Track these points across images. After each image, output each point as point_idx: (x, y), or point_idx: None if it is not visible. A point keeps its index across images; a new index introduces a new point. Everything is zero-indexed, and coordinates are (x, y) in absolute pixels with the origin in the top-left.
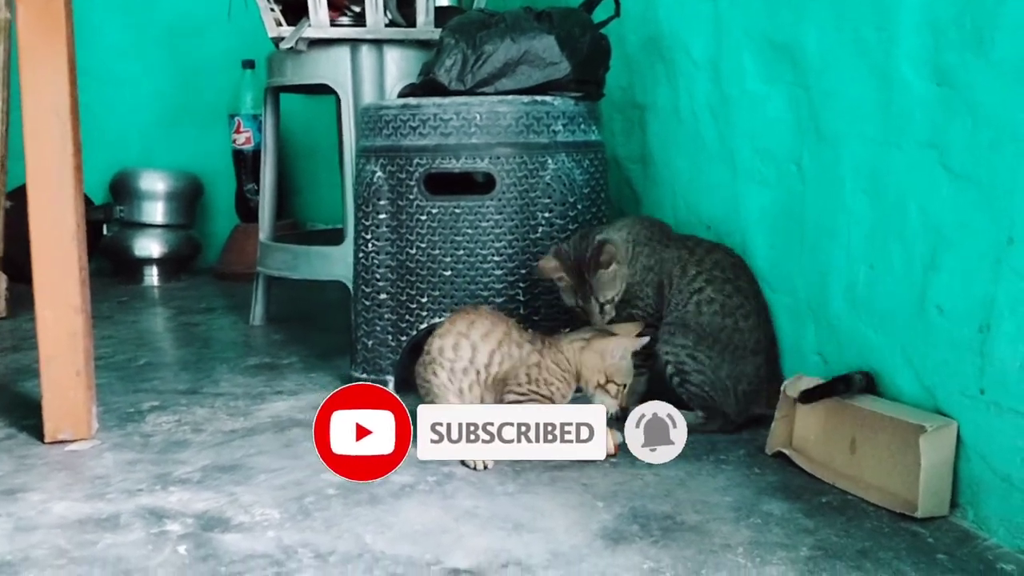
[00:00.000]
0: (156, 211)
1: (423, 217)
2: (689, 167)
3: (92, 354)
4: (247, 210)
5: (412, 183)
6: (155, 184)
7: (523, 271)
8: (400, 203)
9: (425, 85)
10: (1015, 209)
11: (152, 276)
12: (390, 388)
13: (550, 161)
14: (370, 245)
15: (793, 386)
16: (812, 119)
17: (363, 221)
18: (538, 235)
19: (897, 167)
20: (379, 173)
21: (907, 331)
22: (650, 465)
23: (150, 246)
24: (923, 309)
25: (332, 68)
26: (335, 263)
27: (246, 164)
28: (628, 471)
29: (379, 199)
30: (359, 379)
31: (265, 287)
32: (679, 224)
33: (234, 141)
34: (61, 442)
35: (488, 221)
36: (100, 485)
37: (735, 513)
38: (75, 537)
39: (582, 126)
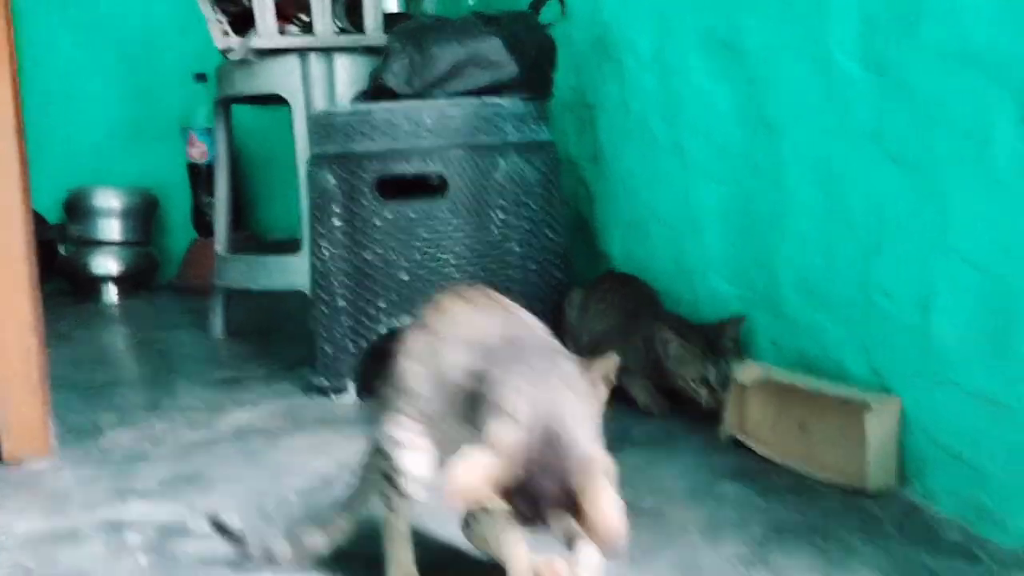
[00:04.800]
0: (112, 228)
1: (377, 222)
2: (641, 164)
3: (47, 372)
4: (204, 224)
5: (365, 188)
6: (109, 201)
7: (481, 273)
8: (354, 209)
9: (374, 90)
10: (950, 189)
11: (110, 294)
12: (350, 394)
13: (502, 161)
14: (326, 252)
15: (744, 373)
16: (758, 112)
17: (318, 228)
18: (494, 236)
19: (841, 156)
20: (332, 179)
21: (854, 315)
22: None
23: (107, 264)
24: (869, 293)
25: (282, 77)
26: (293, 272)
27: (201, 178)
28: None
29: (333, 205)
30: (319, 386)
31: (224, 300)
32: (633, 221)
33: (188, 155)
34: (19, 461)
35: (443, 223)
36: (60, 502)
37: (690, 496)
38: (37, 554)
39: (532, 126)
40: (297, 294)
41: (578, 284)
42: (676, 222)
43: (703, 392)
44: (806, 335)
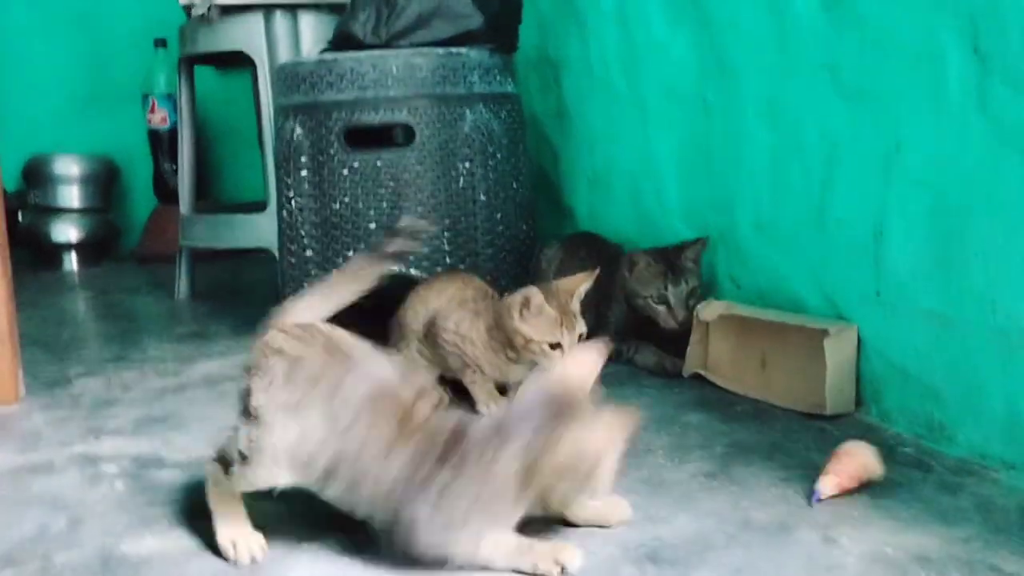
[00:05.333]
0: (71, 195)
1: (344, 172)
2: (603, 118)
3: (15, 319)
4: (166, 191)
5: (332, 138)
6: (69, 168)
7: (447, 221)
8: (320, 159)
9: (340, 40)
10: (901, 117)
11: (72, 262)
12: None
13: (468, 112)
14: (293, 203)
15: (706, 311)
16: (714, 55)
17: (285, 179)
18: (460, 185)
19: (794, 92)
20: (298, 130)
21: (809, 247)
22: None
23: (67, 231)
24: (823, 224)
25: (246, 35)
26: (259, 230)
27: (162, 144)
28: None
29: (300, 156)
30: None
31: (189, 262)
32: (596, 176)
33: (149, 121)
34: None
35: (409, 173)
36: (32, 440)
37: (656, 424)
38: (10, 483)
39: (498, 78)
40: (262, 256)
41: (543, 241)
42: (636, 172)
43: (662, 310)
44: (764, 271)
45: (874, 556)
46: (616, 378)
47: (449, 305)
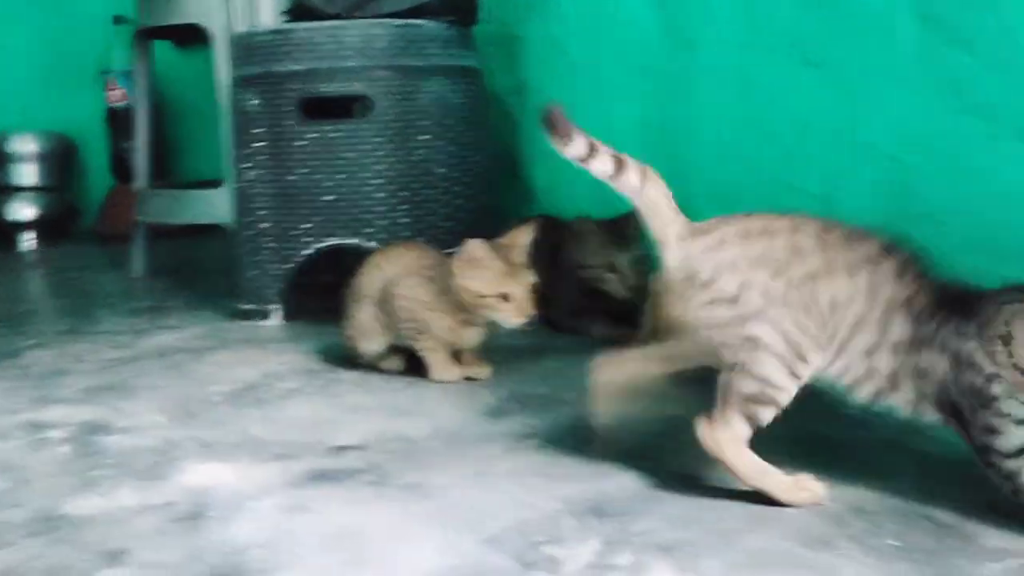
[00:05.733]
0: (27, 173)
1: (301, 143)
2: (564, 93)
3: None
4: (123, 170)
5: (288, 109)
6: (25, 146)
7: (405, 193)
8: (277, 130)
9: (297, 10)
10: (859, 87)
11: (29, 241)
12: (277, 317)
13: (426, 84)
14: (250, 174)
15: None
16: (679, 30)
17: (241, 151)
18: (418, 157)
19: (761, 66)
20: (254, 101)
21: None
22: (530, 359)
23: (23, 210)
24: (777, 194)
25: (203, 7)
26: (215, 206)
27: (120, 122)
28: (507, 366)
29: (256, 127)
30: (244, 310)
31: (146, 238)
32: (552, 151)
33: (107, 99)
34: None
35: (367, 144)
36: None
37: None
38: None
39: (456, 50)
40: (218, 233)
41: (506, 217)
42: None
43: (612, 279)
44: None
45: (813, 508)
46: (572, 349)
47: (404, 272)
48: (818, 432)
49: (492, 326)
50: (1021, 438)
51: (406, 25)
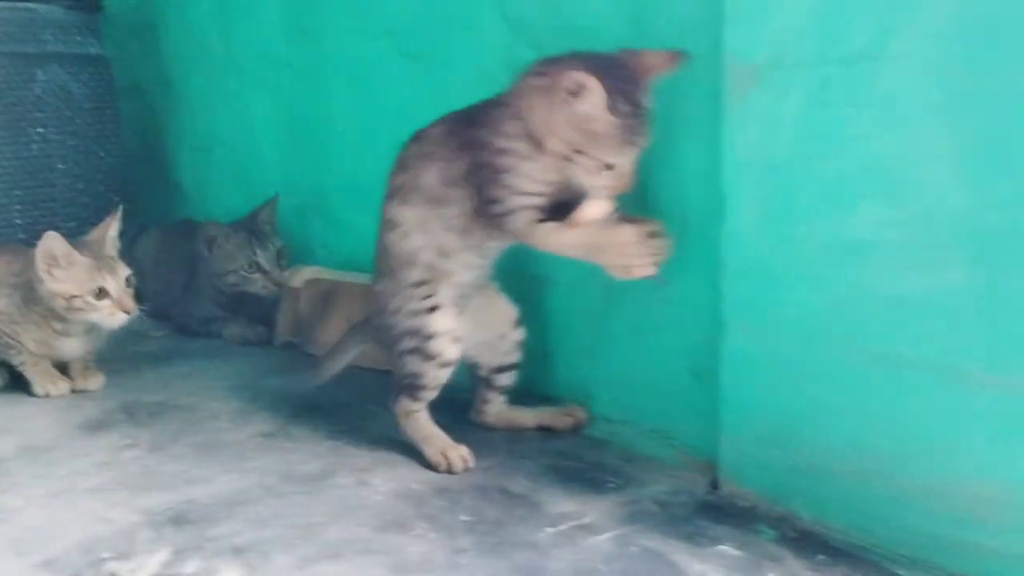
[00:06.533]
0: None
1: None
2: (203, 84)
3: None
4: None
5: None
6: None
7: (18, 192)
8: None
9: None
10: (453, 81)
11: None
12: None
13: (40, 72)
14: None
15: (294, 278)
16: (298, 18)
17: None
18: (33, 152)
19: (368, 57)
20: None
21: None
22: (154, 365)
23: None
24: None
25: None
26: None
27: None
28: (126, 374)
29: None
30: None
31: None
32: (200, 146)
33: None
34: None
35: None
36: None
37: (230, 392)
38: None
39: (78, 37)
40: None
41: (150, 219)
42: (237, 141)
43: (257, 278)
44: (352, 235)
45: (400, 492)
46: (205, 352)
47: None
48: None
49: (97, 334)
50: None
51: (15, 8)
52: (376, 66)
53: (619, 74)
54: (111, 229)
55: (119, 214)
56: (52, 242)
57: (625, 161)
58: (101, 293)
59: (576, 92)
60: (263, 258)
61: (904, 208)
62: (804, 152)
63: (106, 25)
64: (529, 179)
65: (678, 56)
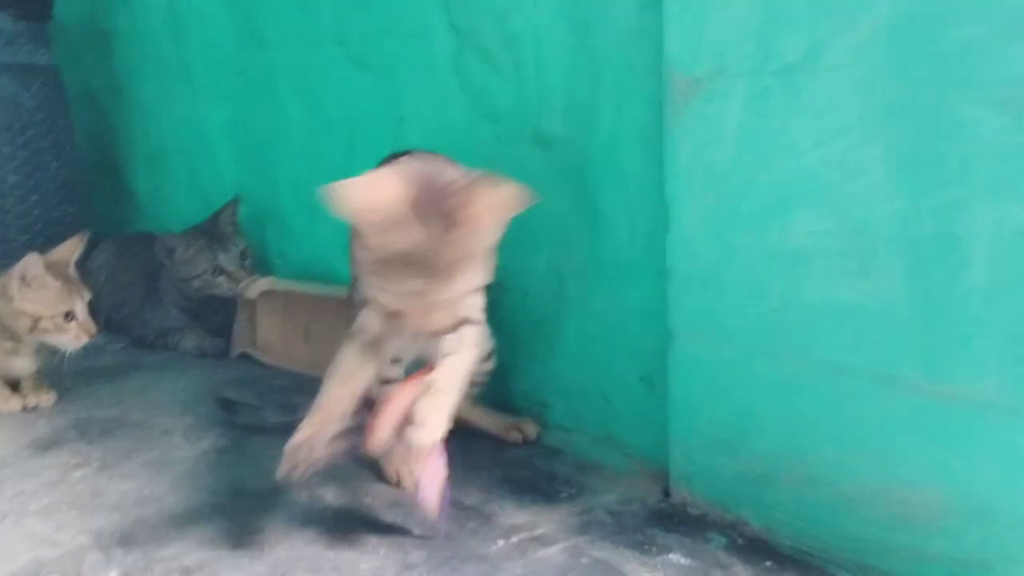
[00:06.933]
0: None
1: None
2: (157, 92)
3: None
4: None
5: None
6: None
7: None
8: None
9: None
10: (404, 89)
11: None
12: None
13: None
14: None
15: (250, 289)
16: (250, 26)
17: None
18: None
19: (318, 65)
20: None
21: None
22: (108, 380)
23: None
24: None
25: None
26: None
27: None
28: (80, 390)
29: None
30: None
31: None
32: (155, 154)
33: None
34: None
35: None
36: None
37: (184, 407)
38: None
39: (26, 47)
40: None
41: (106, 229)
42: (191, 148)
43: (222, 280)
44: (307, 244)
45: (352, 508)
46: (161, 363)
47: None
48: None
49: (49, 352)
50: None
51: None
52: (326, 74)
53: None
54: (73, 251)
55: (85, 238)
56: (32, 264)
57: None
58: (68, 316)
59: None
60: (224, 261)
61: (840, 217)
62: (745, 161)
63: (57, 34)
64: None
65: None
